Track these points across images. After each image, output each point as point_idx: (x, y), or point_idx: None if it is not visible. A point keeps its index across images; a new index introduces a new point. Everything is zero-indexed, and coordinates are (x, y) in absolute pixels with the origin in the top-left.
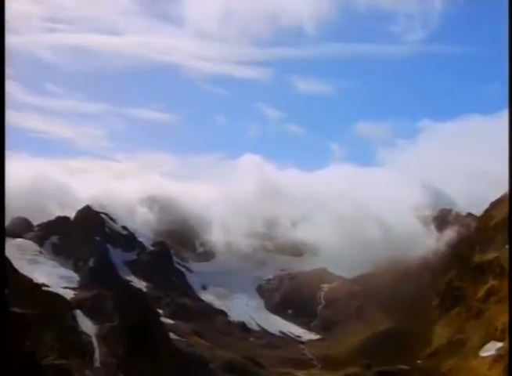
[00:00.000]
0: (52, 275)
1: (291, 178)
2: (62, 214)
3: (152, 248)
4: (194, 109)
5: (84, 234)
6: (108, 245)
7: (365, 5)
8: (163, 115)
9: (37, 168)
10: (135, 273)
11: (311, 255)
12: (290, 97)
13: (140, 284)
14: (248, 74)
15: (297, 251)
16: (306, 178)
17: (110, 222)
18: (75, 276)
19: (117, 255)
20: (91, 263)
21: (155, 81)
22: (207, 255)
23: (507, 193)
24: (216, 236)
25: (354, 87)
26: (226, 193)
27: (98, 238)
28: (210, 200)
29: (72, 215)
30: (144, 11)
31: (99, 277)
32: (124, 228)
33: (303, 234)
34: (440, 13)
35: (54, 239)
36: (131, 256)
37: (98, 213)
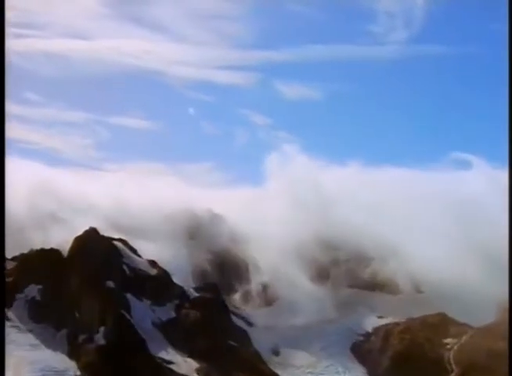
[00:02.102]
0: (24, 369)
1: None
2: (47, 244)
3: (196, 295)
4: (178, 116)
5: (88, 279)
6: (129, 295)
7: (348, 5)
8: (147, 123)
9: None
10: (175, 344)
11: (415, 292)
12: (276, 102)
13: (187, 367)
14: (232, 79)
15: (392, 285)
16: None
17: (130, 254)
18: (70, 369)
19: (144, 312)
20: (100, 339)
21: (136, 88)
22: (266, 297)
23: None
24: (270, 266)
25: (341, 90)
26: (265, 203)
27: (111, 284)
28: (247, 213)
29: (65, 245)
30: (118, 15)
31: (116, 370)
32: (153, 264)
33: (397, 261)
34: (426, 11)
35: (33, 291)
36: (167, 313)
37: (110, 240)
